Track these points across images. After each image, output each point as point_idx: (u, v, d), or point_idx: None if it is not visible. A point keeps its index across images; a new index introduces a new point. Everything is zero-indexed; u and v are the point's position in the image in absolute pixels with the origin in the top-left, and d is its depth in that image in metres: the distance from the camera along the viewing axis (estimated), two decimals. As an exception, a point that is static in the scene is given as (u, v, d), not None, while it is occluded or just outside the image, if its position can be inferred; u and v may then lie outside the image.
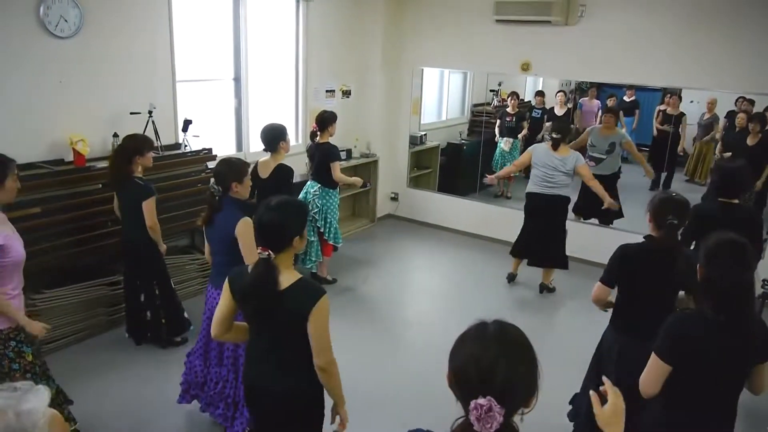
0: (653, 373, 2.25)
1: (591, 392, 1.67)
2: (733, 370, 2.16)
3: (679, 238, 3.68)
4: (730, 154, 6.37)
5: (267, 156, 4.88)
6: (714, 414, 2.24)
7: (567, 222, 5.71)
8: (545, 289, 5.85)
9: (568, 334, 5.06)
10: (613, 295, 3.20)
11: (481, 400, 1.24)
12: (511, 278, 6.05)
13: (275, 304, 2.26)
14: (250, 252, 3.03)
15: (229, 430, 3.44)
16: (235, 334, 2.58)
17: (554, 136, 5.41)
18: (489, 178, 5.96)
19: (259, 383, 2.46)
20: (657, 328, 3.00)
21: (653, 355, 2.23)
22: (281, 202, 2.31)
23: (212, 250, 3.43)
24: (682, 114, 7.03)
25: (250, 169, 4.70)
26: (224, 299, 2.45)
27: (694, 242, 3.80)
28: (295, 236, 2.30)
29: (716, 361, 2.12)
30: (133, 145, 4.17)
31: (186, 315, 4.62)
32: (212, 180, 3.37)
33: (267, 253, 2.22)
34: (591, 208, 6.38)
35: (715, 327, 2.11)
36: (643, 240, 3.05)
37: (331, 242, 5.65)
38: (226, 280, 2.44)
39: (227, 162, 3.36)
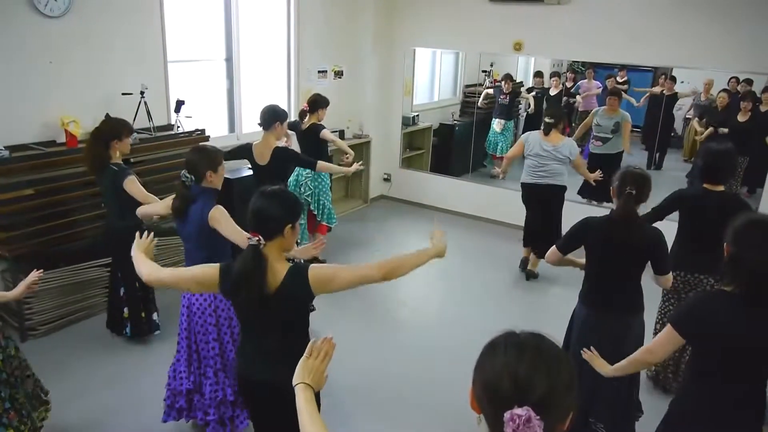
0: (664, 342, 2.27)
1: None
2: (760, 350, 2.13)
3: (651, 211, 3.75)
4: (726, 130, 6.41)
5: (259, 139, 4.84)
6: (741, 399, 2.21)
7: (572, 205, 5.63)
8: (531, 276, 5.80)
9: (562, 314, 5.10)
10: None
11: (518, 410, 1.09)
12: (524, 265, 5.95)
13: (270, 297, 2.23)
14: (235, 233, 2.96)
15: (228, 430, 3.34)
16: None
17: (547, 120, 5.36)
18: (496, 171, 5.98)
19: (258, 378, 2.42)
20: (622, 300, 3.09)
21: (669, 327, 2.23)
22: (278, 190, 2.31)
23: (188, 246, 3.24)
24: (675, 95, 7.06)
25: (237, 147, 4.69)
26: (196, 282, 2.35)
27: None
28: (288, 225, 2.26)
29: (742, 341, 2.09)
30: (110, 129, 3.96)
31: (155, 317, 4.39)
32: (184, 169, 3.10)
33: (257, 238, 2.20)
34: (595, 189, 6.42)
35: (741, 306, 2.08)
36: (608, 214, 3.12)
37: (324, 222, 5.68)
38: (217, 271, 2.31)
39: (202, 150, 3.17)
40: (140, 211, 3.52)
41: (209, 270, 2.32)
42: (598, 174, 5.43)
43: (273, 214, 2.24)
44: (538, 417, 1.09)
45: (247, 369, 2.45)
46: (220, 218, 3.05)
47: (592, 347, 2.68)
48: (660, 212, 3.76)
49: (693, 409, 2.29)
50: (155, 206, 3.52)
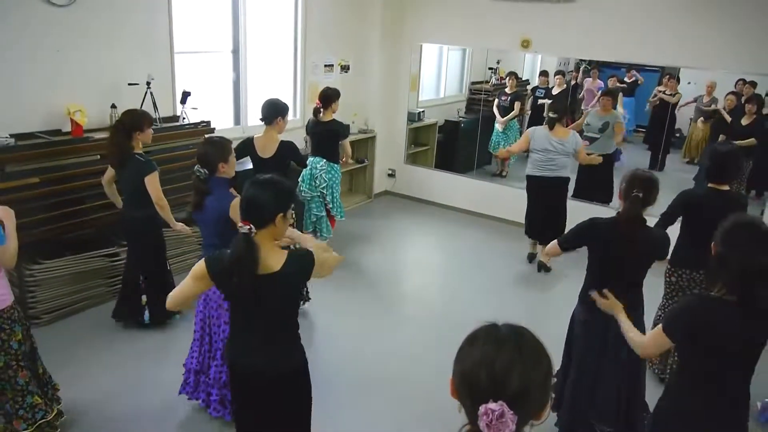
0: (654, 343, 2.33)
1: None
2: (746, 352, 2.15)
3: (660, 219, 3.74)
4: (724, 137, 6.38)
5: (260, 132, 4.82)
6: (728, 397, 2.22)
7: (569, 202, 5.72)
8: (542, 267, 5.87)
9: (564, 312, 5.11)
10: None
11: (492, 405, 1.13)
12: (531, 258, 6.08)
13: (266, 284, 2.24)
14: None
15: (224, 414, 3.41)
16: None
17: (551, 115, 5.47)
18: (500, 152, 6.44)
19: (251, 364, 2.42)
20: (622, 303, 2.98)
21: (659, 329, 2.23)
22: (271, 179, 2.31)
23: (205, 233, 3.32)
24: (676, 94, 7.05)
25: (238, 146, 4.69)
26: (193, 280, 2.34)
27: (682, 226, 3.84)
28: (279, 213, 2.27)
29: (730, 343, 2.11)
30: (132, 121, 4.04)
31: None
32: (196, 165, 3.17)
33: (248, 227, 2.20)
34: (589, 188, 6.42)
35: (729, 309, 2.09)
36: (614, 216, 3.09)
37: (334, 215, 5.68)
38: (203, 261, 2.32)
39: (211, 143, 3.25)
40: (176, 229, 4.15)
41: (198, 265, 2.33)
42: (596, 156, 5.77)
43: (265, 203, 2.25)
44: (511, 412, 1.13)
45: (237, 355, 2.46)
46: (236, 211, 3.11)
47: (606, 291, 2.82)
48: (669, 217, 3.76)
49: (680, 409, 2.30)
50: (177, 226, 4.19)
